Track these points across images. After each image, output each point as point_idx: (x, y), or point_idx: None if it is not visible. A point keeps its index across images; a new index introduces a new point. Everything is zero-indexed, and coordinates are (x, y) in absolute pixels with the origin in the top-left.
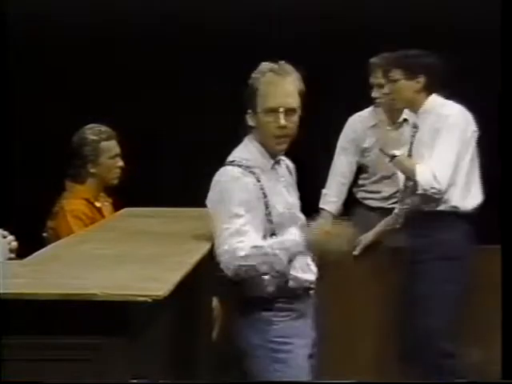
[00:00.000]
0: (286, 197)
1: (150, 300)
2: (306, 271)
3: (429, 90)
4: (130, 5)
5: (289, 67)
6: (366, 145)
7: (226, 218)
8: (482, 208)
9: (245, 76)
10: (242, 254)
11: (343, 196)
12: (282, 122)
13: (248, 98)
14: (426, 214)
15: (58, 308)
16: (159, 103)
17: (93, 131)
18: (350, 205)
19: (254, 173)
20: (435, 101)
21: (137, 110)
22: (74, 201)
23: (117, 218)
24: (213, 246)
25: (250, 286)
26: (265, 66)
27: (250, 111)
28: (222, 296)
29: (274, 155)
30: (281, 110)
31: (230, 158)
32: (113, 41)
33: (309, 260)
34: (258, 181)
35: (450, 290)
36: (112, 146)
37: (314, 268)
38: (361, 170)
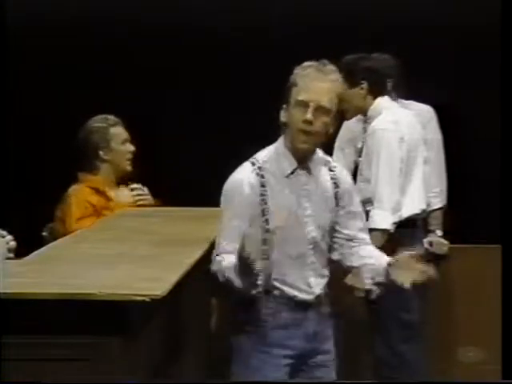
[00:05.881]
0: (295, 210)
1: (148, 299)
2: (297, 289)
3: (374, 93)
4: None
5: (331, 67)
6: (361, 145)
7: (222, 219)
8: (482, 208)
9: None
10: (226, 275)
11: None
12: (309, 116)
13: (286, 92)
14: None
15: (56, 307)
16: (159, 104)
17: (98, 119)
18: None
19: (262, 176)
20: (379, 105)
21: (137, 110)
22: (81, 188)
23: (116, 218)
24: (211, 245)
25: (236, 287)
26: (308, 63)
27: (284, 106)
28: (218, 296)
29: (299, 159)
30: (311, 104)
31: (255, 155)
32: (120, 38)
33: (312, 277)
34: (263, 185)
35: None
36: (120, 132)
37: (315, 288)
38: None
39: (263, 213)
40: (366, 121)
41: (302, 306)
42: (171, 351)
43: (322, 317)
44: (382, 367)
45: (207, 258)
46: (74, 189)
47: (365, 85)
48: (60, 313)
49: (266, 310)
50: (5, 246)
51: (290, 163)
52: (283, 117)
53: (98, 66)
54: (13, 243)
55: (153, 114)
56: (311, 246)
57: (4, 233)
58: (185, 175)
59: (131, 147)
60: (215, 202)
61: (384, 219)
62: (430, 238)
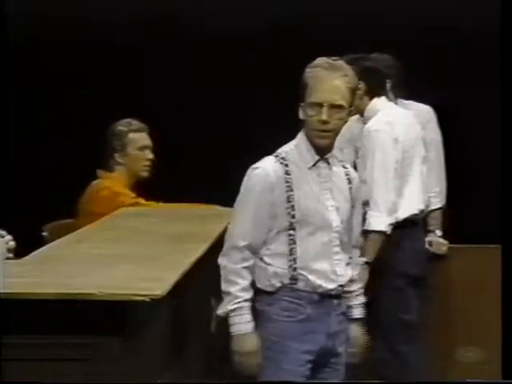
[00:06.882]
0: (319, 199)
1: (148, 299)
2: (323, 277)
3: (371, 94)
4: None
5: (340, 63)
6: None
7: (237, 211)
8: (482, 208)
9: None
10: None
11: None
12: (324, 116)
13: (300, 91)
14: None
15: (56, 307)
16: (159, 104)
17: (122, 123)
18: None
19: (286, 165)
20: (375, 106)
21: (137, 110)
22: (111, 179)
23: (116, 218)
24: (212, 245)
25: (257, 276)
26: (317, 61)
27: (302, 104)
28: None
29: (320, 152)
30: (324, 104)
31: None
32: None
33: (339, 267)
34: (288, 174)
35: None
36: (140, 138)
37: (341, 278)
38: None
39: (288, 199)
40: (363, 121)
41: (325, 298)
42: (171, 351)
43: (342, 316)
44: (382, 367)
45: (208, 257)
46: (103, 181)
47: (362, 85)
48: (60, 313)
49: (288, 304)
50: (4, 246)
51: (312, 156)
52: (301, 114)
53: (98, 66)
54: (12, 243)
55: (153, 114)
56: (337, 235)
57: (3, 233)
58: (185, 175)
59: (149, 155)
60: (215, 202)
61: (380, 221)
62: (430, 237)
